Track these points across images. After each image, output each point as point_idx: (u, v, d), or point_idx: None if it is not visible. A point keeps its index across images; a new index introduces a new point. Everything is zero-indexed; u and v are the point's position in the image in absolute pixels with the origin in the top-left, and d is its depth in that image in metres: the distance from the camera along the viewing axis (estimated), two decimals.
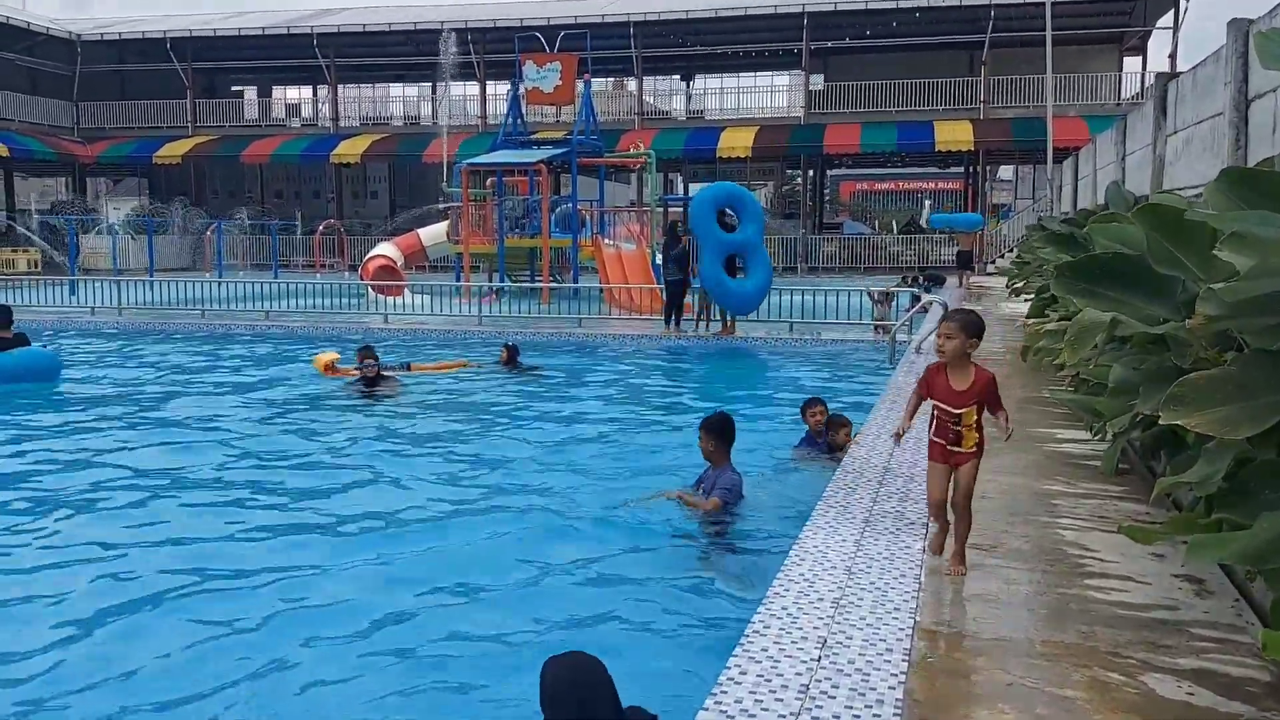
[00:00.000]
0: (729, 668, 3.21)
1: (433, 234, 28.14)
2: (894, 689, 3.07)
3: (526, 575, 6.05)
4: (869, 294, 17.87)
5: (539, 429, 10.19)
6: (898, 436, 4.33)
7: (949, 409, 4.03)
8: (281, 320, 19.54)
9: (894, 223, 45.96)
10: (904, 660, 3.27)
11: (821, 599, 3.82)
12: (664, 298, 17.98)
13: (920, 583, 3.98)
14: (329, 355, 13.38)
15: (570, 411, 11.27)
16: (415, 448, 9.41)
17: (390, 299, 22.04)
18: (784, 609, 3.72)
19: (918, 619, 3.62)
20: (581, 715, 3.18)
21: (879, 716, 2.90)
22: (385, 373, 12.08)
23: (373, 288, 23.11)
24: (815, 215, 40.91)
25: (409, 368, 13.01)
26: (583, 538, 6.71)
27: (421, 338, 17.77)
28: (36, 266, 33.30)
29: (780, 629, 3.53)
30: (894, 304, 17.65)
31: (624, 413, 11.31)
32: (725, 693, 3.04)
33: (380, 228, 36.59)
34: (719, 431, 6.99)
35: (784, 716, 2.89)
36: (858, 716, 2.90)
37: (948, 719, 2.93)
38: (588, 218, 25.37)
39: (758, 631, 3.49)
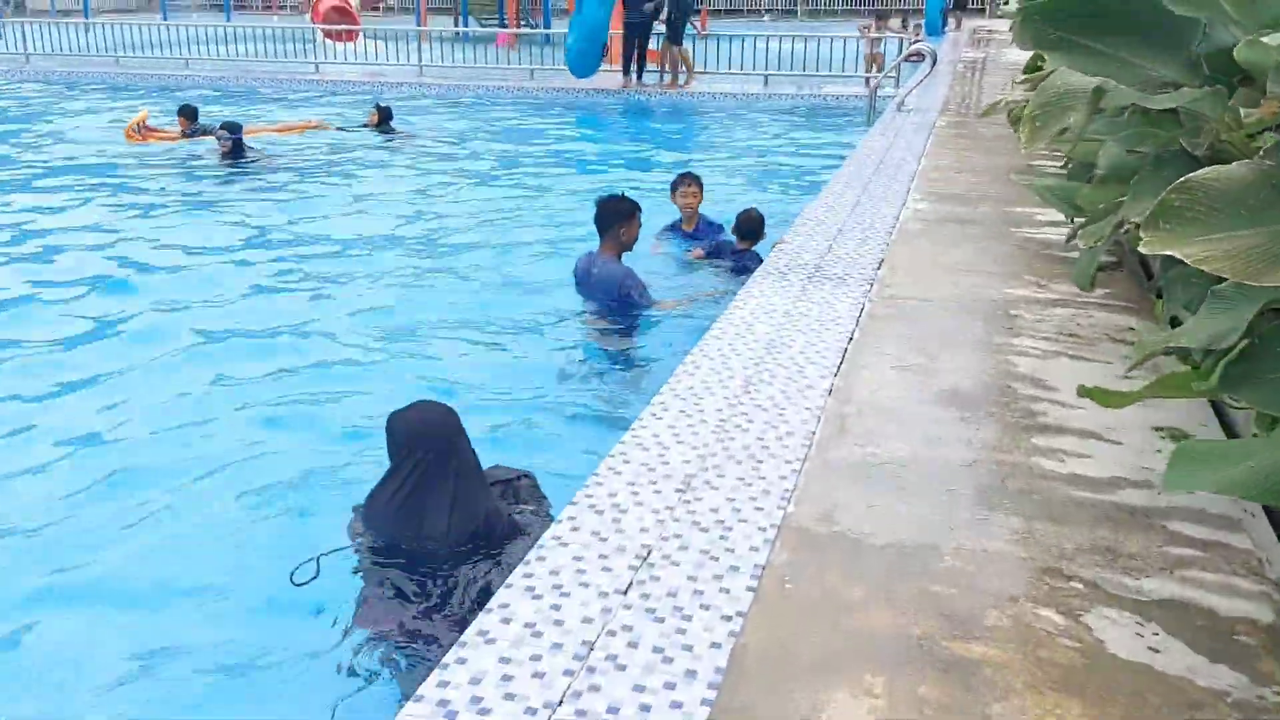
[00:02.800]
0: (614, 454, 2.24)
1: None
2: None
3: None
4: (860, 29, 16.16)
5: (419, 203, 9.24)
6: None
7: None
8: (203, 71, 17.80)
9: None
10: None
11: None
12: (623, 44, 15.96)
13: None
14: (139, 116, 12.01)
15: (455, 177, 10.31)
16: (296, 228, 8.50)
17: (341, 45, 20.08)
18: (670, 428, 2.77)
19: (789, 510, 2.62)
20: (429, 458, 3.05)
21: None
22: (244, 140, 10.77)
23: (322, 32, 21.01)
24: None
25: (242, 129, 11.50)
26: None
27: (357, 89, 16.14)
28: None
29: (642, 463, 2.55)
30: (883, 44, 15.94)
31: (545, 180, 10.20)
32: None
33: None
34: (595, 216, 5.93)
35: None
36: None
37: (771, 706, 1.95)
38: None
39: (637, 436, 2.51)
